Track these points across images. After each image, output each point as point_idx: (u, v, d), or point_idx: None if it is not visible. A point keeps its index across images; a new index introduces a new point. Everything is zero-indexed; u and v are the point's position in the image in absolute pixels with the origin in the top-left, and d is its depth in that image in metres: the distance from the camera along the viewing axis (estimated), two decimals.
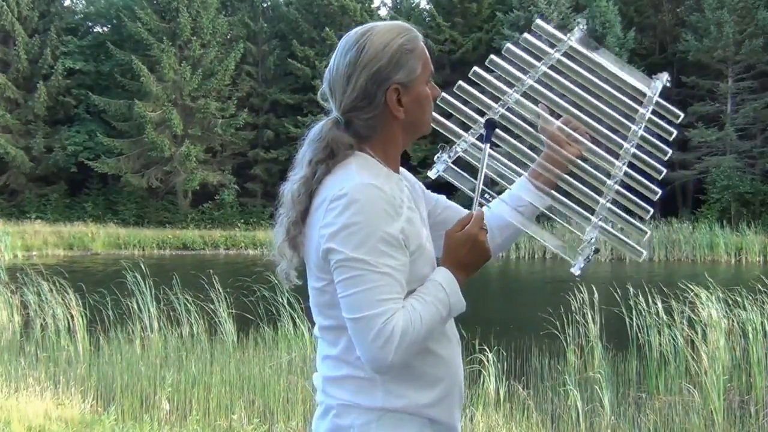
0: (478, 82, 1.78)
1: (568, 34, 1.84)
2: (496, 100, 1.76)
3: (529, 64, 1.82)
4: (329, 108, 1.53)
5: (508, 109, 1.74)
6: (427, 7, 39.39)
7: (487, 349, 5.79)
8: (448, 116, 1.72)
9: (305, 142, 1.53)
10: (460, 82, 1.74)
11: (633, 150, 1.74)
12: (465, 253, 1.47)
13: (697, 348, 6.07)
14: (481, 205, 1.58)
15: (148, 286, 7.73)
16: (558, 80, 1.79)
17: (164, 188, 35.00)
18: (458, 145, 1.69)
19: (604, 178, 1.70)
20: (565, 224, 1.68)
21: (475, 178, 1.58)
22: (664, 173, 1.76)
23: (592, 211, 1.65)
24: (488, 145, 1.58)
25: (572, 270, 1.58)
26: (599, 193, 1.68)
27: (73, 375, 6.30)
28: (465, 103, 1.73)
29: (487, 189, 1.60)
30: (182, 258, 25.29)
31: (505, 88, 1.77)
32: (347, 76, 1.47)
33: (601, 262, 23.85)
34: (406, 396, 1.43)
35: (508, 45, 1.81)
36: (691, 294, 6.80)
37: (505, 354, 6.40)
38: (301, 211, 1.46)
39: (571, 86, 1.78)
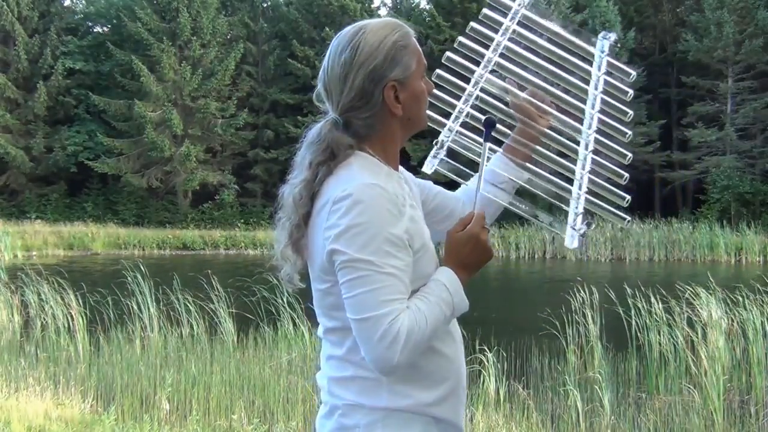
0: (452, 66, 1.78)
1: (517, 2, 1.83)
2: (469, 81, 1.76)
3: (491, 39, 1.81)
4: (325, 109, 1.53)
5: (482, 90, 1.74)
6: (427, 7, 39.38)
7: (487, 349, 5.79)
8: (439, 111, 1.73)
9: (303, 144, 1.52)
10: (438, 71, 1.74)
11: (597, 115, 1.74)
12: (467, 253, 1.47)
13: (697, 348, 6.06)
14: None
15: (148, 286, 7.74)
16: (519, 52, 1.79)
17: (164, 188, 35.00)
18: (445, 135, 1.68)
19: (578, 147, 1.70)
20: (548, 198, 1.68)
21: (472, 169, 1.58)
22: (629, 135, 1.76)
23: (571, 182, 1.65)
24: (488, 144, 1.58)
25: (567, 244, 1.58)
26: (574, 162, 1.68)
27: (73, 375, 6.30)
28: (444, 90, 1.73)
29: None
30: (182, 258, 25.29)
31: (474, 67, 1.77)
32: (343, 76, 1.46)
33: (600, 262, 23.86)
34: (412, 395, 1.44)
35: (471, 23, 1.80)
36: (691, 294, 6.80)
37: (505, 354, 6.39)
38: (303, 214, 1.45)
39: (532, 57, 1.77)
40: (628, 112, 1.77)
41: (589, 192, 1.65)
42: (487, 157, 1.59)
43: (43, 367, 6.57)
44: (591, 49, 1.84)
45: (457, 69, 1.77)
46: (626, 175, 1.70)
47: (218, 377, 5.87)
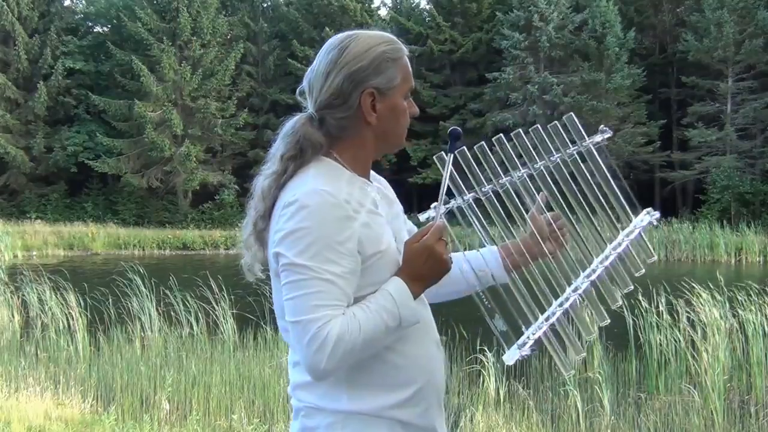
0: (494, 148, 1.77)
1: (591, 138, 1.83)
2: (503, 170, 1.75)
3: (539, 151, 1.81)
4: (306, 105, 1.54)
5: (511, 183, 1.73)
6: (427, 7, 39.37)
7: (487, 349, 5.79)
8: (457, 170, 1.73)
9: (279, 136, 1.53)
10: (483, 144, 1.74)
11: (602, 268, 1.76)
12: (421, 264, 1.44)
13: (697, 348, 6.06)
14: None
15: (148, 286, 7.74)
16: (565, 177, 1.80)
17: (164, 188, 35.00)
18: (455, 200, 1.67)
19: (566, 285, 1.71)
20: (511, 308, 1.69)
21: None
22: (619, 304, 1.81)
23: (543, 310, 1.65)
24: (452, 155, 1.57)
25: (504, 358, 1.57)
26: (557, 295, 1.69)
27: (73, 375, 6.31)
28: (474, 164, 1.73)
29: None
30: (182, 258, 25.29)
31: (508, 167, 1.76)
32: (326, 74, 1.48)
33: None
34: (372, 399, 1.44)
35: (538, 126, 1.80)
36: (692, 294, 6.80)
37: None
38: (268, 207, 1.47)
39: (572, 184, 1.79)
40: (629, 286, 1.81)
41: (552, 329, 1.64)
42: (451, 170, 1.58)
43: (43, 367, 6.57)
44: (631, 217, 1.86)
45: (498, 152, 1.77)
46: (594, 333, 1.74)
47: (218, 377, 5.87)
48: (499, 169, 1.72)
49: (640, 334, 6.54)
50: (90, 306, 7.90)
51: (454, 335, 6.57)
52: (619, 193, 1.85)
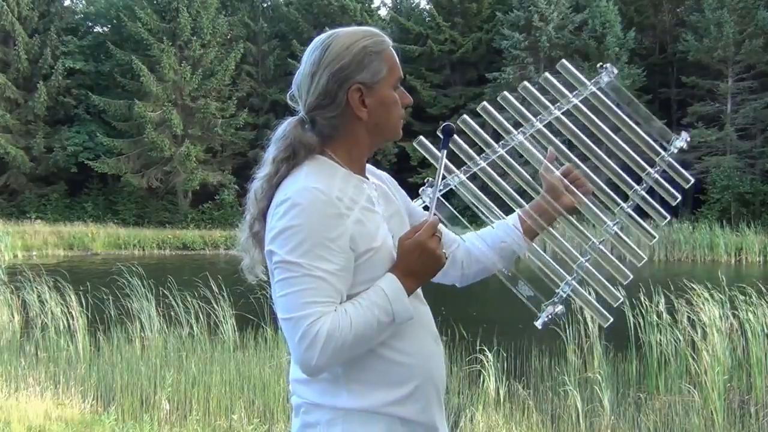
0: (486, 117, 1.74)
1: (594, 80, 1.76)
2: (500, 137, 1.73)
3: (543, 104, 1.76)
4: (297, 109, 1.55)
5: (511, 150, 1.70)
6: (427, 7, 39.36)
7: (487, 350, 5.79)
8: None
9: (271, 140, 1.55)
10: (465, 116, 1.71)
11: (629, 211, 1.70)
12: (414, 260, 1.45)
13: (697, 348, 6.06)
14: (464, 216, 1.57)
15: (147, 286, 7.74)
16: (568, 126, 1.73)
17: (164, 188, 35.00)
18: (450, 179, 1.66)
19: (590, 236, 1.65)
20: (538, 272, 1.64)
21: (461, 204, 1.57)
22: (656, 240, 1.73)
23: (568, 267, 1.63)
24: (445, 152, 1.57)
25: (536, 323, 1.55)
26: (581, 248, 1.64)
27: (73, 375, 6.30)
28: (467, 138, 1.70)
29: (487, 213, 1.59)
30: (182, 258, 25.29)
31: (511, 128, 1.72)
32: (311, 75, 1.49)
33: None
34: (370, 396, 1.44)
35: (525, 83, 1.75)
36: (692, 294, 6.80)
37: (505, 354, 6.39)
38: (262, 208, 1.49)
39: (580, 134, 1.72)
40: (666, 217, 1.72)
41: (582, 282, 1.62)
42: (444, 165, 1.59)
43: (43, 367, 6.57)
44: (654, 146, 1.78)
45: (490, 121, 1.73)
46: (631, 276, 1.67)
47: (218, 377, 5.87)
48: (494, 138, 1.69)
49: (640, 334, 6.54)
50: (90, 306, 7.89)
51: (454, 335, 6.56)
52: (641, 131, 1.75)
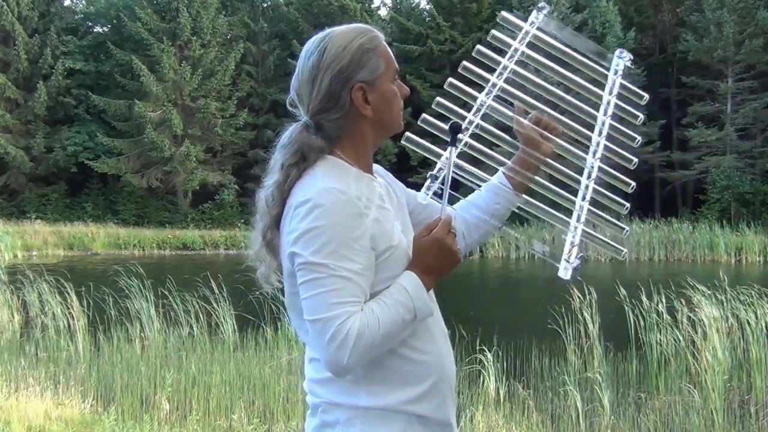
0: (454, 92, 1.75)
1: (529, 21, 1.77)
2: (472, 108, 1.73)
3: (498, 63, 1.77)
4: (298, 115, 1.55)
5: (485, 116, 1.71)
6: (427, 7, 39.37)
7: (487, 350, 5.79)
8: (430, 135, 1.70)
9: (277, 147, 1.54)
10: (438, 98, 1.72)
11: (604, 142, 1.71)
12: (431, 258, 1.47)
13: (697, 348, 6.07)
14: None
15: (148, 286, 7.74)
16: (527, 76, 1.75)
17: (164, 188, 35.00)
18: (441, 166, 1.66)
19: (578, 177, 1.67)
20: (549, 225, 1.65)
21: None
22: (635, 163, 1.74)
23: (569, 212, 1.63)
24: (453, 148, 1.58)
25: (561, 275, 1.56)
26: (575, 191, 1.66)
27: (73, 375, 6.30)
28: (444, 119, 1.70)
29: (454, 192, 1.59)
30: (182, 258, 25.29)
31: (476, 94, 1.73)
32: (312, 79, 1.49)
33: (601, 262, 23.84)
34: (390, 395, 1.45)
35: (478, 46, 1.76)
36: (692, 294, 6.80)
37: (505, 354, 6.40)
38: (275, 215, 1.48)
39: (538, 80, 1.73)
40: (636, 138, 1.74)
41: (587, 222, 1.62)
42: (454, 162, 1.59)
43: (43, 367, 6.56)
44: (604, 70, 1.79)
45: (459, 95, 1.74)
46: (627, 205, 1.68)
47: (218, 377, 5.87)
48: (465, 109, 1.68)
49: (640, 334, 6.54)
50: (90, 306, 7.89)
51: (454, 335, 6.56)
52: (585, 57, 1.75)
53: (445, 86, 1.72)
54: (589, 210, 1.64)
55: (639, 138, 1.75)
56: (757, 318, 6.40)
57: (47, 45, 34.78)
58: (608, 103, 1.76)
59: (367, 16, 35.85)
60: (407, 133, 1.65)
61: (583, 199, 1.64)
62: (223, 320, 7.19)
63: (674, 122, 33.45)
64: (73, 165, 34.22)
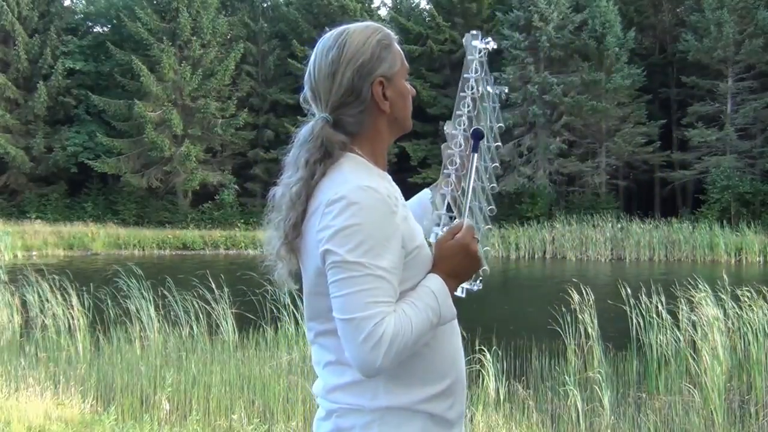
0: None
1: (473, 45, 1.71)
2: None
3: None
4: (312, 111, 1.54)
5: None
6: (427, 7, 39.37)
7: (487, 350, 5.79)
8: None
9: (295, 144, 1.52)
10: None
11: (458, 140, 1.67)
12: (458, 262, 1.48)
13: (697, 348, 6.07)
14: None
15: (147, 286, 7.74)
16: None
17: (164, 188, 35.00)
18: (448, 169, 1.65)
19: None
20: None
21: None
22: (502, 127, 1.76)
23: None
24: (476, 155, 1.58)
25: (456, 293, 1.56)
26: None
27: (73, 375, 6.30)
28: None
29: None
30: (182, 258, 25.29)
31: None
32: (332, 74, 1.48)
33: (601, 262, 23.85)
34: (409, 394, 1.45)
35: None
36: (692, 294, 6.80)
37: (505, 354, 6.40)
38: (301, 212, 1.45)
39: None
40: (499, 123, 1.74)
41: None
42: (475, 168, 1.59)
43: (43, 367, 6.56)
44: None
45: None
46: (494, 208, 1.67)
47: (218, 377, 5.86)
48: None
49: (640, 334, 6.54)
50: (90, 306, 7.89)
51: None
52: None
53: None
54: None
55: (501, 125, 1.74)
56: (757, 318, 6.40)
57: (47, 45, 34.79)
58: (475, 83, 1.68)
59: (367, 16, 35.82)
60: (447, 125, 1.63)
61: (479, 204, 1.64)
62: (223, 320, 7.19)
63: (674, 122, 33.45)
64: (73, 165, 34.23)
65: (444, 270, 1.47)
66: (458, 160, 1.65)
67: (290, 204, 1.46)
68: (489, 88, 1.73)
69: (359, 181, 1.40)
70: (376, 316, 1.33)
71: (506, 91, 1.81)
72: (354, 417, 1.45)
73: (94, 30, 40.13)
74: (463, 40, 1.72)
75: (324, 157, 1.46)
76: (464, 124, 1.65)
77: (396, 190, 1.51)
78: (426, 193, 1.79)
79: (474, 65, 1.70)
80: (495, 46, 1.77)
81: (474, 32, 1.70)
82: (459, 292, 1.58)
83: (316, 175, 1.45)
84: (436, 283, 1.45)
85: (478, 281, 1.64)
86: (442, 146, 1.69)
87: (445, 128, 1.69)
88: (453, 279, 1.48)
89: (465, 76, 1.70)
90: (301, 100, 1.56)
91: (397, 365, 1.40)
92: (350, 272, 1.34)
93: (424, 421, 1.46)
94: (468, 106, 1.68)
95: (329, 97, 1.49)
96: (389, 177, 1.55)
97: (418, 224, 1.54)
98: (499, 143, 1.76)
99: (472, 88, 1.69)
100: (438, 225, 1.64)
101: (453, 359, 1.52)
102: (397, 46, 1.55)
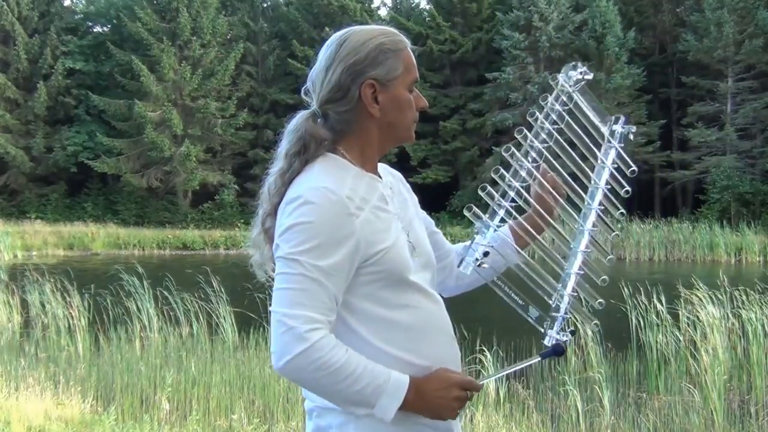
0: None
1: (562, 81, 1.72)
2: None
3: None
4: (310, 103, 1.55)
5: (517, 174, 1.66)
6: (427, 7, 39.37)
7: (487, 350, 5.79)
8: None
9: (283, 135, 1.54)
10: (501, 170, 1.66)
11: (597, 210, 1.70)
12: (432, 390, 1.44)
13: (697, 348, 6.06)
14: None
15: (147, 286, 7.73)
16: (557, 139, 1.73)
17: (164, 188, 35.00)
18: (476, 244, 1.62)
19: (568, 245, 1.67)
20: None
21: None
22: (615, 234, 1.76)
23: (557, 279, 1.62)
24: (541, 359, 1.61)
25: (546, 342, 1.56)
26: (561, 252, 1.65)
27: (73, 375, 6.30)
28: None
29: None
30: (182, 258, 25.28)
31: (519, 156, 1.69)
32: (325, 69, 1.49)
33: (600, 263, 23.75)
34: None
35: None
36: (692, 294, 6.80)
37: (505, 354, 6.39)
38: (275, 204, 1.48)
39: (557, 135, 1.71)
40: (618, 209, 1.73)
41: (572, 295, 1.62)
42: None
43: (43, 367, 6.56)
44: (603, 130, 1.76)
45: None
46: (606, 278, 1.68)
47: (218, 377, 5.86)
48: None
49: (640, 334, 6.54)
50: (90, 306, 7.89)
51: (454, 335, 6.55)
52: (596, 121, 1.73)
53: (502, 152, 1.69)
54: (574, 278, 1.63)
55: (622, 210, 1.73)
56: (756, 317, 6.40)
57: (47, 45, 34.78)
58: (602, 168, 1.72)
59: (367, 16, 35.83)
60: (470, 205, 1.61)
61: (571, 268, 1.64)
62: (223, 320, 7.19)
63: (674, 122, 33.45)
64: (73, 165, 34.22)
65: (419, 385, 1.42)
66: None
67: (266, 195, 1.50)
68: (616, 127, 1.74)
69: (318, 182, 1.41)
70: (299, 317, 1.33)
71: (633, 130, 1.79)
72: (330, 417, 1.45)
73: (94, 30, 40.14)
74: (561, 73, 1.70)
75: (301, 151, 1.48)
76: (535, 154, 1.65)
77: (373, 192, 1.48)
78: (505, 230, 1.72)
79: (562, 96, 1.68)
80: (590, 77, 1.75)
81: (573, 64, 1.71)
82: (548, 341, 1.56)
83: (292, 168, 1.47)
84: (401, 380, 1.40)
85: (568, 331, 1.59)
86: (492, 170, 1.67)
87: (503, 152, 1.66)
88: (419, 399, 1.41)
89: (552, 106, 1.68)
90: (303, 92, 1.56)
91: (311, 381, 1.36)
92: (288, 269, 1.37)
93: (404, 426, 1.43)
94: (543, 136, 1.67)
95: (320, 91, 1.50)
96: (371, 177, 1.52)
97: (399, 224, 1.51)
98: (628, 188, 1.73)
99: (554, 122, 1.67)
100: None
101: (438, 364, 1.49)
102: (408, 54, 1.53)
